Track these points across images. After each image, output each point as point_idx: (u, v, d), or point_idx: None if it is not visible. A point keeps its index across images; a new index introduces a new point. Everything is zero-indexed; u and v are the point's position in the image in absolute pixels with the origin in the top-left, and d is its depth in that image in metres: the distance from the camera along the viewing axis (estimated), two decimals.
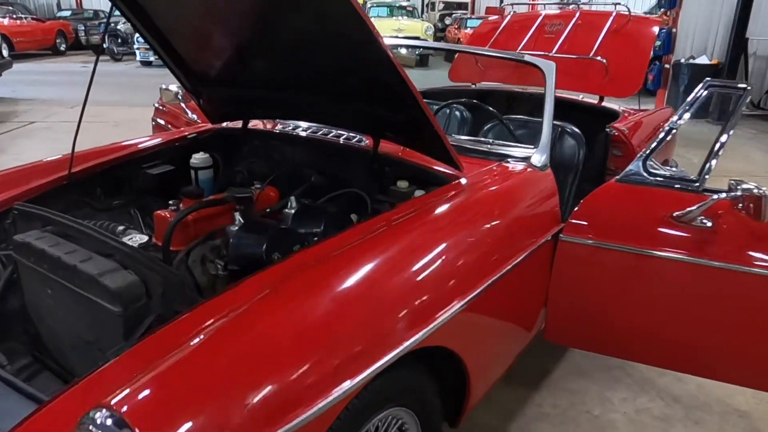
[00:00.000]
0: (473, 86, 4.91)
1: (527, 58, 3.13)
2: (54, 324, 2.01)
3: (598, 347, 2.70)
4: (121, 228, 2.27)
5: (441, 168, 2.47)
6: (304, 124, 3.03)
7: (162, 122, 4.66)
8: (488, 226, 2.22)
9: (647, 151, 2.55)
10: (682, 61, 11.73)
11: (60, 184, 2.60)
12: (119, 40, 19.14)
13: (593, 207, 2.53)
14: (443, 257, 1.94)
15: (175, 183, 3.01)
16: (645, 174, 2.50)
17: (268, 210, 2.44)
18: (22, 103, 11.00)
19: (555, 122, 2.90)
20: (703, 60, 11.75)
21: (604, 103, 4.39)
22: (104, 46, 18.92)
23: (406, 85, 2.05)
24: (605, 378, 3.24)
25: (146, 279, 1.77)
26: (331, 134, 2.89)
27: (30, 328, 2.12)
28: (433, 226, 2.08)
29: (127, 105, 10.51)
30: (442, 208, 2.17)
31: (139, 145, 2.98)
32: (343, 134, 2.87)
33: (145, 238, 2.18)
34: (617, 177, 2.58)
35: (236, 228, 2.16)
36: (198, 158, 3.06)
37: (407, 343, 1.64)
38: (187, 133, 3.17)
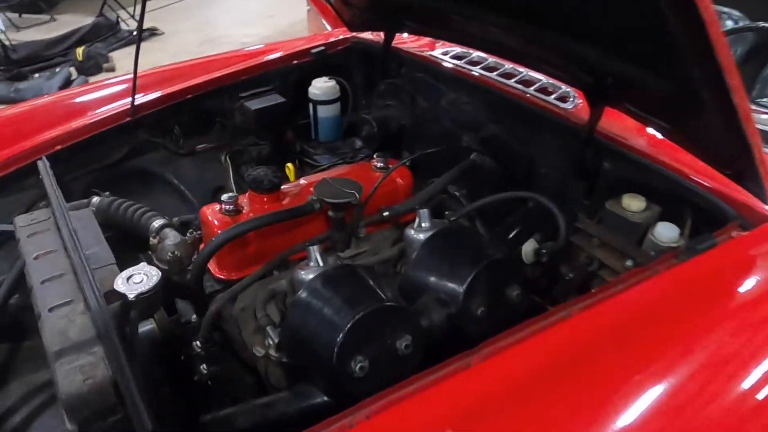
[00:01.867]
0: None
1: None
2: None
3: None
4: (156, 223, 1.47)
5: (725, 190, 1.25)
6: (477, 56, 1.89)
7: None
8: None
9: None
10: None
11: (119, 123, 1.86)
12: None
13: None
14: None
15: (286, 120, 2.13)
16: None
17: (385, 213, 1.45)
18: None
19: None
20: None
21: None
22: None
23: (703, 26, 0.88)
24: None
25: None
26: (517, 77, 1.73)
27: None
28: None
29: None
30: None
31: (236, 65, 2.10)
32: (537, 81, 1.69)
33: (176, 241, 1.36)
34: None
35: (304, 281, 1.20)
36: (320, 87, 2.12)
37: None
38: (306, 47, 2.20)
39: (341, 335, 1.02)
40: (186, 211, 2.00)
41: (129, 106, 1.84)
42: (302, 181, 1.52)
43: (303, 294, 1.13)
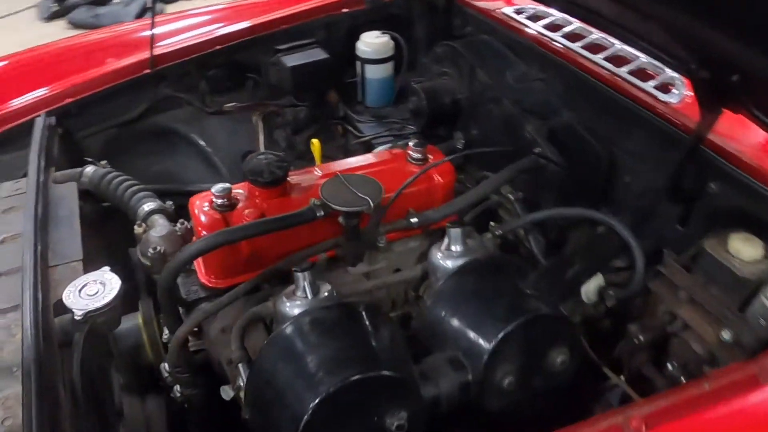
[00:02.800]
0: None
1: None
2: None
3: None
4: (146, 207, 1.25)
5: None
6: (560, 18, 1.49)
7: None
8: None
9: None
10: None
11: (137, 75, 1.65)
12: None
13: None
14: None
15: (329, 80, 1.85)
16: None
17: (413, 220, 1.16)
18: None
19: None
20: None
21: None
22: None
23: None
24: None
25: None
26: (607, 51, 1.34)
27: None
28: None
29: None
30: None
31: (275, 12, 1.81)
32: (632, 60, 1.30)
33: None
34: None
35: (287, 315, 0.95)
36: (370, 43, 1.80)
37: None
38: None
39: (309, 412, 0.78)
40: (211, 178, 1.80)
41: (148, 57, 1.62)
42: (317, 171, 1.24)
43: (276, 339, 0.88)
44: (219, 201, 1.12)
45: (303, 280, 0.95)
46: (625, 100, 1.22)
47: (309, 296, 0.95)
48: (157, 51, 1.63)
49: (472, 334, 0.91)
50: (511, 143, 1.36)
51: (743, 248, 0.98)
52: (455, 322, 0.95)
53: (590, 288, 1.11)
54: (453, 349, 0.93)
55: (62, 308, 0.96)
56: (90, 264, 1.05)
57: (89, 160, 1.43)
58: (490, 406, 0.91)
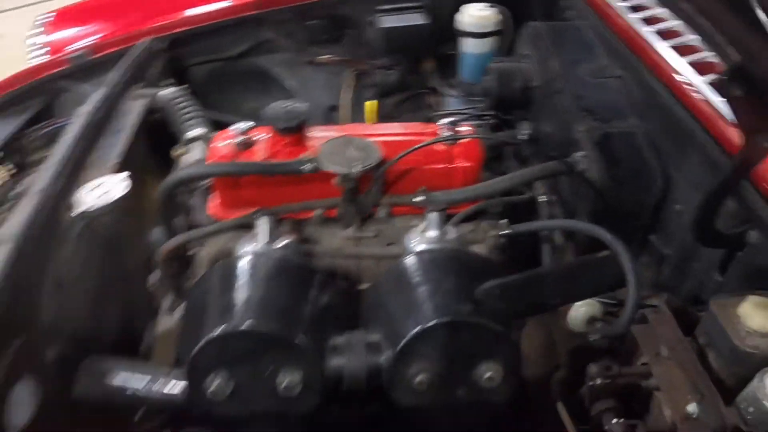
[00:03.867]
0: None
1: None
2: None
3: None
4: (192, 133, 1.35)
5: None
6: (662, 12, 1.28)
7: None
8: None
9: None
10: None
11: (247, 14, 1.76)
12: None
13: None
14: None
15: (425, 47, 1.81)
16: None
17: (417, 199, 1.11)
18: None
19: None
20: None
21: None
22: None
23: None
24: None
25: None
26: (697, 54, 1.13)
27: None
28: None
29: None
30: None
31: None
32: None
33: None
34: None
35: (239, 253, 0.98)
36: (470, 14, 1.72)
37: None
38: None
39: (199, 345, 0.81)
40: None
41: None
42: (348, 128, 1.23)
43: (212, 270, 0.92)
44: (238, 138, 1.18)
45: (264, 223, 0.97)
46: (691, 119, 1.03)
47: (263, 241, 0.97)
48: None
49: (395, 323, 0.86)
50: (559, 142, 1.23)
51: (754, 314, 0.79)
52: (387, 307, 0.90)
53: (578, 313, 0.98)
54: (378, 332, 0.89)
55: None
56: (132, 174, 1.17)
57: (171, 81, 1.57)
58: (399, 399, 0.86)
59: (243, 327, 0.81)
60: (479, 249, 1.09)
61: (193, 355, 0.81)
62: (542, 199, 1.19)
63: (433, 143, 1.12)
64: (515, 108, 1.49)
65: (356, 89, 1.87)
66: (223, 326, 0.81)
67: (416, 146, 1.09)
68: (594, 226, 0.98)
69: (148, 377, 0.95)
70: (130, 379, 0.96)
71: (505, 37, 1.77)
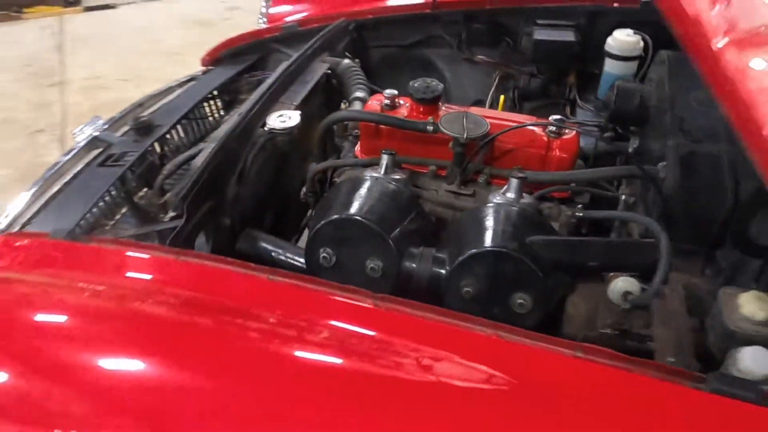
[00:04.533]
0: None
1: None
2: None
3: None
4: (356, 94, 1.72)
5: None
6: None
7: None
8: None
9: None
10: None
11: (423, 12, 2.11)
12: None
13: None
14: None
15: (569, 62, 2.03)
16: None
17: (515, 172, 1.36)
18: None
19: None
20: None
21: None
22: None
23: None
24: None
25: None
26: None
27: None
28: None
29: None
30: None
31: None
32: None
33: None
34: None
35: (359, 177, 1.33)
36: (616, 38, 1.89)
37: None
38: None
39: (320, 223, 1.16)
40: None
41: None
42: (474, 110, 1.52)
43: (343, 181, 1.28)
44: (386, 101, 1.52)
45: (386, 158, 1.31)
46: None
47: (383, 172, 1.30)
48: None
49: (460, 246, 1.14)
50: (656, 157, 1.39)
51: (750, 303, 0.94)
52: (458, 235, 1.18)
53: (617, 287, 1.17)
54: (446, 251, 1.17)
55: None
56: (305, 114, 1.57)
57: (348, 55, 1.97)
58: (449, 304, 1.14)
59: (352, 217, 1.15)
60: (554, 225, 1.32)
61: (315, 231, 1.17)
62: (624, 197, 1.38)
63: (527, 126, 1.36)
64: (631, 124, 1.65)
65: (500, 89, 2.14)
66: (338, 215, 1.16)
67: (514, 126, 1.35)
68: (651, 220, 1.17)
69: (285, 247, 1.34)
70: (273, 246, 1.36)
71: (643, 63, 1.91)
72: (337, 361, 0.89)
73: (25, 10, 5.12)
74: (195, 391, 0.88)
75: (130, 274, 1.12)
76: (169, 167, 1.57)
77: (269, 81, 1.67)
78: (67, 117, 3.62)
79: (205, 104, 1.93)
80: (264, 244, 1.37)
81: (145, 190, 1.57)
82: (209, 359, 0.91)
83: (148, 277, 1.10)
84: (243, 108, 1.55)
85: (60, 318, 1.03)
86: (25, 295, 1.08)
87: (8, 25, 4.95)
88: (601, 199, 1.43)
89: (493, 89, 2.14)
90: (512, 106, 2.09)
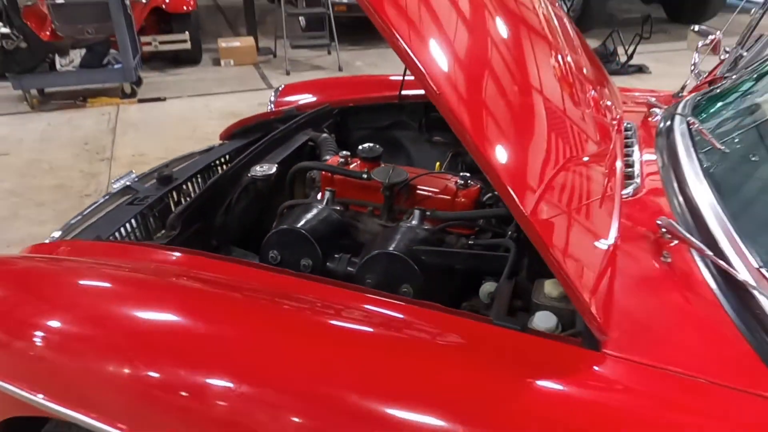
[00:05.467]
0: None
1: None
2: None
3: None
4: (326, 157, 2.25)
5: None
6: None
7: None
8: None
9: None
10: None
11: (392, 102, 2.69)
12: None
13: None
14: None
15: None
16: None
17: (428, 212, 1.82)
18: None
19: None
20: None
21: None
22: None
23: None
24: None
25: None
26: None
27: None
28: None
29: None
30: None
31: None
32: None
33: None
34: None
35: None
36: None
37: None
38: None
39: (270, 232, 1.65)
40: None
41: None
42: (404, 168, 2.02)
43: (295, 206, 1.78)
44: (341, 159, 2.04)
45: (327, 194, 1.80)
46: None
47: (322, 204, 1.79)
48: (404, 92, 2.63)
49: (368, 251, 1.59)
50: None
51: (549, 286, 1.35)
52: (370, 244, 1.63)
53: (485, 288, 1.59)
54: (359, 257, 1.62)
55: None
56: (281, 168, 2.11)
57: (325, 130, 2.53)
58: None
59: (292, 227, 1.62)
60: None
61: (267, 237, 1.65)
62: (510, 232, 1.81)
63: (433, 173, 1.85)
64: None
65: (452, 163, 2.64)
66: (285, 225, 1.64)
67: (422, 173, 1.83)
68: (510, 240, 1.60)
69: (251, 256, 1.81)
70: (242, 256, 1.83)
71: None
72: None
73: (89, 100, 6.05)
74: (225, 340, 1.19)
75: (158, 259, 1.53)
76: (179, 209, 2.09)
77: (259, 144, 2.22)
78: (110, 185, 4.29)
79: (217, 166, 2.48)
80: (235, 255, 1.85)
81: (162, 231, 2.07)
82: (240, 318, 1.23)
83: (175, 262, 1.50)
84: (235, 161, 2.09)
85: (107, 284, 1.39)
86: (74, 269, 1.50)
87: (74, 111, 5.84)
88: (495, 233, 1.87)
89: (446, 163, 2.64)
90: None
